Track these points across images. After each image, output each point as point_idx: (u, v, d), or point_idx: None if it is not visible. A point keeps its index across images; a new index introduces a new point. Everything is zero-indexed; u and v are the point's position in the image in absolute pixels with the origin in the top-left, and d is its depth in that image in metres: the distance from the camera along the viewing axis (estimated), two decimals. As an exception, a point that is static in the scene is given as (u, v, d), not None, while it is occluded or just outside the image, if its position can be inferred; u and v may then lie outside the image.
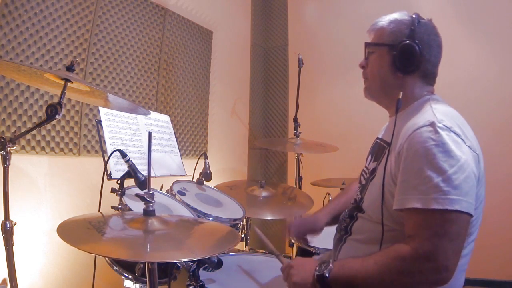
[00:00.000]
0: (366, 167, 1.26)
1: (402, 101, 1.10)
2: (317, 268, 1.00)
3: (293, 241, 1.96)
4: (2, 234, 1.21)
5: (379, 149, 1.21)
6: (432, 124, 0.96)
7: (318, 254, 1.74)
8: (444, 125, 0.96)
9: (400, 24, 1.14)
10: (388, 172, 1.05)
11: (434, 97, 1.14)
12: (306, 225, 1.44)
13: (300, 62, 2.55)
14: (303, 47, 3.46)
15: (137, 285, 1.35)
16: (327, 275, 0.97)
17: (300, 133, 2.51)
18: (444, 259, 0.88)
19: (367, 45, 1.21)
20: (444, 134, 0.94)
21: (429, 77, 1.16)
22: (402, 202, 0.96)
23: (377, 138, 1.30)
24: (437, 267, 0.88)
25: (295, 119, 2.56)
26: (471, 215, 0.91)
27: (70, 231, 0.96)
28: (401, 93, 1.11)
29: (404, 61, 1.10)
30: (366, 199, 1.16)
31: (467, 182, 0.91)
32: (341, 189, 2.28)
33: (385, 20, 1.18)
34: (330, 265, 0.99)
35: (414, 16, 1.13)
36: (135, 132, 1.74)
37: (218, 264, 1.22)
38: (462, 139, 0.96)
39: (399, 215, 0.99)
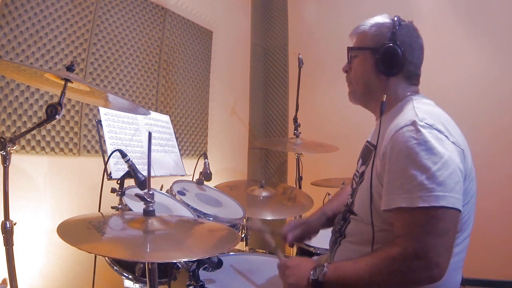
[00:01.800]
0: (357, 170, 1.27)
1: (387, 103, 1.12)
2: (312, 272, 1.01)
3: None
4: (2, 234, 1.21)
5: (367, 152, 1.23)
6: (413, 123, 0.97)
7: (318, 254, 1.74)
8: (426, 123, 0.96)
9: (382, 27, 1.15)
10: (375, 174, 1.06)
11: (417, 96, 1.14)
12: (302, 229, 1.43)
13: (300, 62, 2.55)
14: (303, 47, 3.46)
15: (137, 285, 1.35)
16: (321, 280, 0.98)
17: (300, 133, 2.51)
18: (434, 256, 0.88)
19: (350, 49, 1.24)
20: (425, 132, 0.94)
21: (413, 78, 1.17)
22: (389, 203, 0.97)
23: (367, 141, 1.31)
24: (428, 264, 0.88)
25: (295, 119, 2.56)
26: (459, 210, 0.92)
27: (70, 231, 0.96)
28: (385, 95, 1.12)
29: (387, 64, 1.11)
30: (356, 202, 1.17)
31: (452, 178, 0.92)
32: (341, 189, 2.28)
33: (367, 24, 1.20)
34: (325, 269, 1.00)
35: (395, 18, 1.14)
36: (135, 132, 1.74)
37: (218, 264, 1.22)
38: (446, 136, 0.97)
39: (388, 216, 1.00)
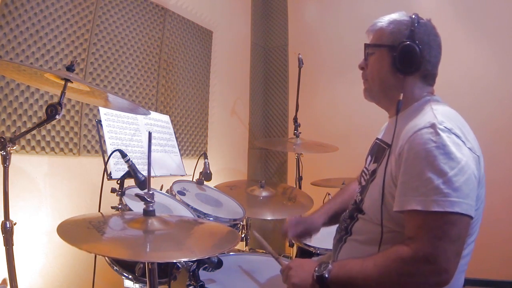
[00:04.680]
0: (366, 168, 1.25)
1: (402, 102, 1.10)
2: (316, 269, 1.00)
3: (293, 241, 1.96)
4: (2, 234, 1.21)
5: (379, 150, 1.21)
6: (432, 126, 0.96)
7: (318, 254, 1.74)
8: (444, 126, 0.95)
9: (400, 24, 1.13)
10: (389, 174, 1.04)
11: (434, 98, 1.13)
12: (303, 226, 1.43)
13: (300, 62, 2.55)
14: (303, 47, 3.46)
15: (137, 285, 1.35)
16: (326, 275, 0.97)
17: (300, 133, 2.51)
18: (444, 261, 0.88)
19: (366, 46, 1.21)
20: (444, 136, 0.93)
21: (429, 78, 1.16)
22: (402, 204, 0.96)
23: (377, 138, 1.30)
24: (437, 269, 0.88)
25: (295, 119, 2.56)
26: (471, 217, 0.91)
27: (70, 231, 0.96)
28: (402, 94, 1.11)
29: (405, 62, 1.10)
30: (366, 200, 1.15)
31: (468, 184, 0.91)
32: (341, 189, 2.28)
33: (384, 20, 1.17)
34: (330, 265, 0.99)
35: (413, 16, 1.13)
36: (135, 132, 1.74)
37: (218, 264, 1.22)
38: (463, 141, 0.96)
39: (399, 217, 0.99)
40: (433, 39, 1.13)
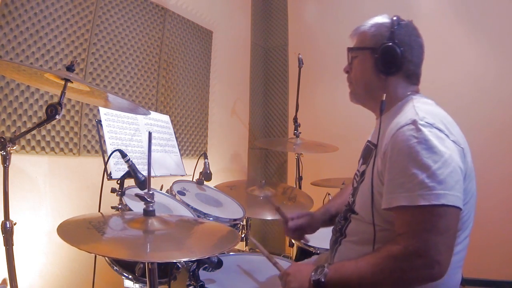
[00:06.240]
0: (358, 170, 1.27)
1: (387, 102, 1.13)
2: (313, 273, 1.01)
3: (292, 240, 1.96)
4: (2, 234, 1.21)
5: (368, 152, 1.23)
6: (413, 122, 0.97)
7: (318, 254, 1.74)
8: (426, 122, 0.97)
9: (381, 27, 1.16)
10: (376, 173, 1.06)
11: (417, 96, 1.15)
12: (304, 220, 1.44)
13: (300, 62, 2.55)
14: (303, 47, 3.46)
15: (137, 285, 1.35)
16: (322, 280, 0.98)
17: (300, 133, 2.51)
18: (435, 254, 0.89)
19: (349, 49, 1.24)
20: (426, 130, 0.95)
21: (412, 77, 1.17)
22: (389, 201, 0.97)
23: (367, 140, 1.31)
24: (429, 262, 0.89)
25: (295, 119, 2.56)
26: (459, 209, 0.92)
27: (70, 231, 0.96)
28: (384, 94, 1.13)
29: (386, 63, 1.12)
30: (357, 201, 1.17)
31: (452, 176, 0.92)
32: (341, 189, 2.29)
33: (366, 24, 1.20)
34: (326, 269, 1.00)
35: (394, 18, 1.15)
36: (135, 132, 1.74)
37: (218, 264, 1.22)
38: (446, 134, 0.97)
39: (389, 215, 1.00)
40: (414, 40, 1.15)
